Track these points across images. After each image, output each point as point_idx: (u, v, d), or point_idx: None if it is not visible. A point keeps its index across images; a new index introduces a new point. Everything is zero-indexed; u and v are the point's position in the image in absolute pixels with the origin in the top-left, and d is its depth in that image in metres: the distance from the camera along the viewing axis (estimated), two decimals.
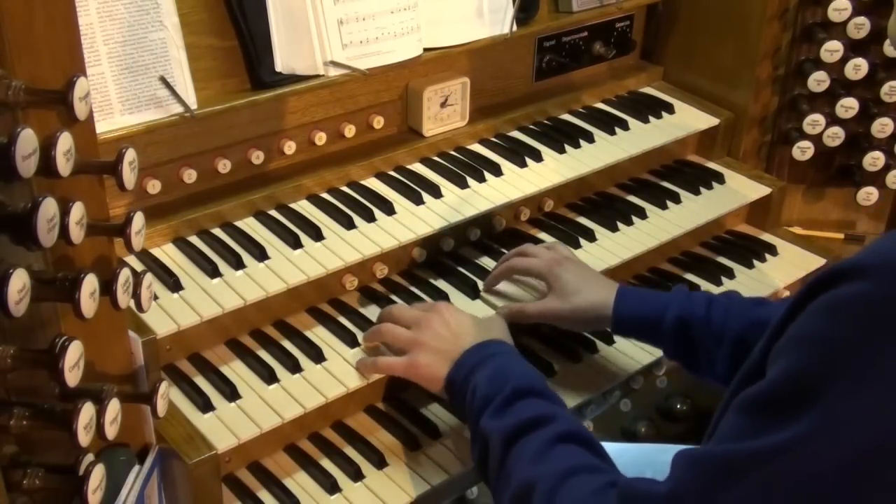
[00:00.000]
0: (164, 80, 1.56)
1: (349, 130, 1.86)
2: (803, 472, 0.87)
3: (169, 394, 1.26)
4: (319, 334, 1.62)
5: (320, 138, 1.83)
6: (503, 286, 1.75)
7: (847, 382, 0.85)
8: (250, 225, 1.71)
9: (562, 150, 2.00)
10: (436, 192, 1.82)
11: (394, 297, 1.71)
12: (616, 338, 1.78)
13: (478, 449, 1.32)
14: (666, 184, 2.12)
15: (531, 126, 2.10)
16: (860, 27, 2.08)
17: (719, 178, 2.14)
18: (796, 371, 0.89)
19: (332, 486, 1.48)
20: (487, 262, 1.82)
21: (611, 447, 1.28)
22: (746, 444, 0.91)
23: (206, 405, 1.45)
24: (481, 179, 1.88)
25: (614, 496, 1.04)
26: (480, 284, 1.75)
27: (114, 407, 1.08)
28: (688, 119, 2.20)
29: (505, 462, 1.23)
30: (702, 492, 0.94)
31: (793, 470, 0.87)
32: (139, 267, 1.56)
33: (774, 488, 0.88)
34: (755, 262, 2.05)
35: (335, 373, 1.54)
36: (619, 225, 1.94)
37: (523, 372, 1.38)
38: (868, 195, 2.25)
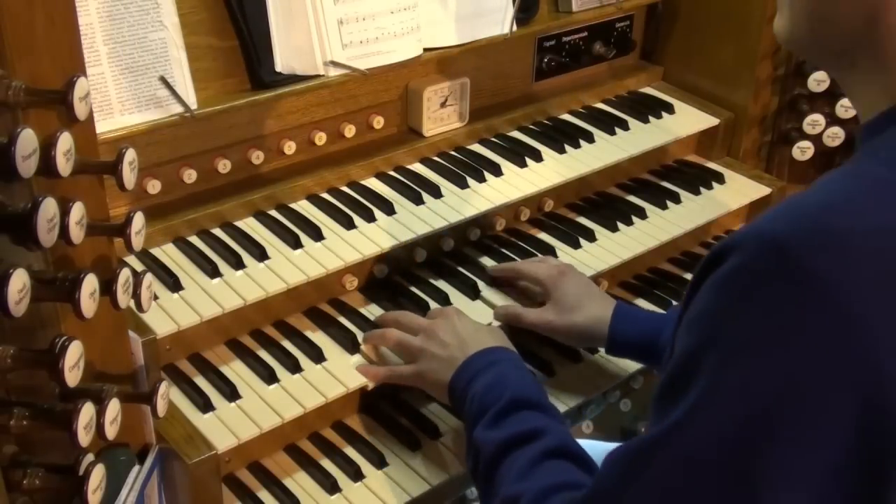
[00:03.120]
0: (164, 80, 1.56)
1: (349, 130, 1.86)
2: (691, 447, 0.87)
3: (169, 394, 1.26)
4: (319, 334, 1.62)
5: (320, 138, 1.83)
6: (504, 291, 1.75)
7: (718, 354, 0.86)
8: (250, 225, 1.71)
9: (562, 150, 2.00)
10: (436, 192, 1.82)
11: (394, 298, 1.71)
12: None
13: (471, 459, 1.32)
14: (666, 184, 2.12)
15: (531, 126, 2.10)
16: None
17: (719, 178, 2.14)
18: (684, 351, 0.90)
19: (332, 486, 1.48)
20: (487, 263, 1.82)
21: (609, 447, 1.28)
22: (651, 431, 0.92)
23: (206, 405, 1.45)
24: (481, 179, 1.88)
25: None
26: (481, 284, 1.75)
27: (114, 407, 1.08)
28: (688, 119, 2.20)
29: (493, 476, 1.23)
30: (615, 486, 0.94)
31: (682, 447, 0.88)
32: (139, 267, 1.56)
33: (671, 469, 0.89)
34: None
35: (335, 373, 1.53)
36: (619, 225, 1.94)
37: (521, 382, 1.36)
38: None
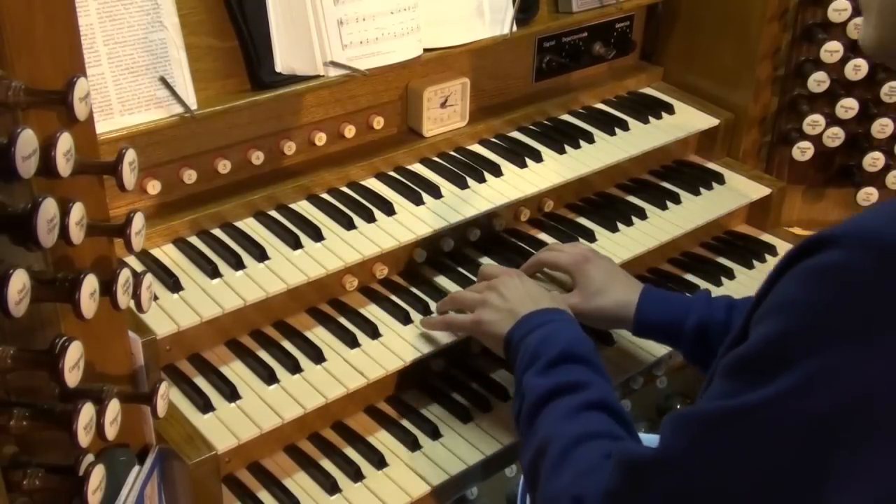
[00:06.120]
0: (164, 80, 1.56)
1: (349, 131, 1.86)
2: (777, 427, 0.90)
3: (169, 394, 1.26)
4: (319, 335, 1.62)
5: (320, 139, 1.83)
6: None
7: (819, 345, 0.88)
8: (250, 225, 1.71)
9: (562, 151, 2.00)
10: (436, 192, 1.82)
11: (394, 298, 1.71)
12: (616, 339, 1.79)
13: (518, 401, 1.37)
14: (666, 184, 2.12)
15: (531, 126, 2.10)
16: (860, 28, 2.08)
17: (719, 179, 2.14)
18: (774, 334, 0.92)
19: (332, 487, 1.48)
20: (488, 263, 1.82)
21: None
22: (727, 401, 0.95)
23: (206, 405, 1.45)
24: (481, 180, 1.88)
25: (613, 458, 1.07)
26: None
27: (114, 407, 1.08)
28: (688, 119, 2.20)
29: (535, 418, 1.28)
30: (687, 450, 0.98)
31: (768, 424, 0.91)
32: (139, 267, 1.56)
33: (752, 442, 0.92)
34: (755, 262, 2.05)
35: (335, 373, 1.54)
36: (619, 225, 1.94)
37: (575, 338, 1.41)
38: (868, 195, 2.25)
